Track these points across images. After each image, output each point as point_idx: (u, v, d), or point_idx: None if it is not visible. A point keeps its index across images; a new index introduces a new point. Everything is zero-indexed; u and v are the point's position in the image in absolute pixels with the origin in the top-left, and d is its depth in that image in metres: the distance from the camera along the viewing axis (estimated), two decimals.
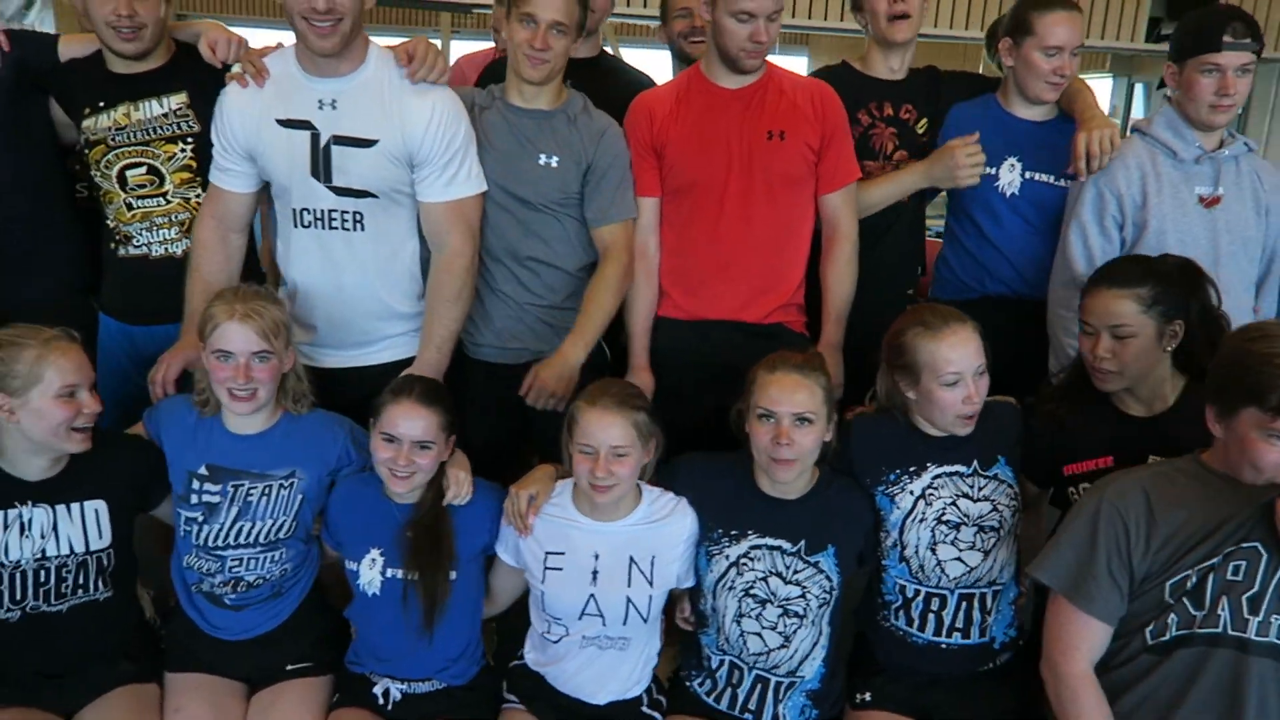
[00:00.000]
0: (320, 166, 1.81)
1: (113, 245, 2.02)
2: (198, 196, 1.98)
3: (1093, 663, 1.44)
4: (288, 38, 1.84)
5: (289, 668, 1.83)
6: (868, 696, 1.77)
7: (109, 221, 2.01)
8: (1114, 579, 1.40)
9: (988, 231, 2.14)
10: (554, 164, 1.90)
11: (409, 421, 1.67)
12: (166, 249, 2.00)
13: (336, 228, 1.85)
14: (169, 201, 1.97)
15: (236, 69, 1.86)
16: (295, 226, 1.86)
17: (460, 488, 1.75)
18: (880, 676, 1.77)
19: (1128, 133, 2.11)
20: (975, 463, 1.72)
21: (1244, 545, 1.35)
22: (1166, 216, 1.97)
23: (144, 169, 1.96)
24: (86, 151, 1.98)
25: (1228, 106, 1.93)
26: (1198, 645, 1.37)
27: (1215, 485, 1.41)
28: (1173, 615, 1.38)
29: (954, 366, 1.63)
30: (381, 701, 1.77)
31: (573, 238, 1.97)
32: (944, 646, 1.73)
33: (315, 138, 1.80)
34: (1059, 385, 1.81)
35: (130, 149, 1.95)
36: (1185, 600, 1.37)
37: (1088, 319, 1.68)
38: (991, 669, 1.76)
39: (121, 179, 1.97)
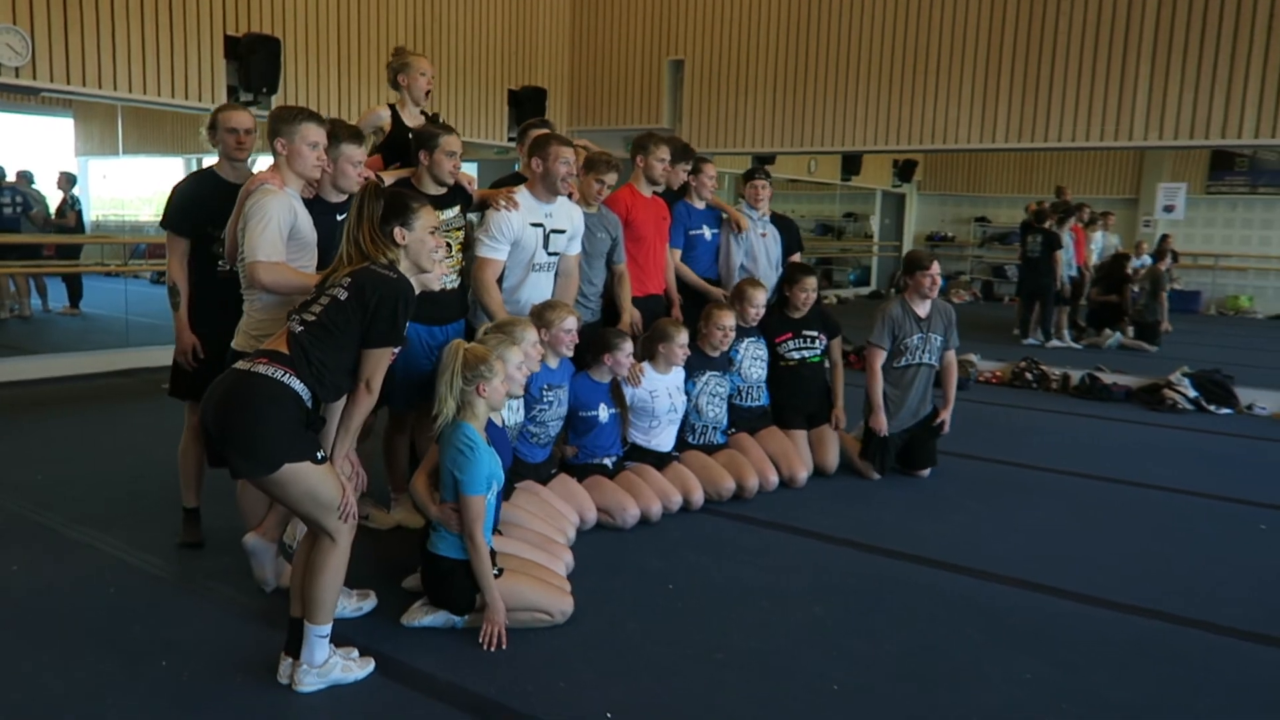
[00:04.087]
0: (546, 243, 4.18)
1: None
2: (460, 259, 4.08)
3: (882, 364, 4.95)
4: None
5: (553, 471, 4.23)
6: (733, 430, 4.96)
7: None
8: (892, 338, 4.91)
9: (698, 252, 5.40)
10: (602, 236, 4.56)
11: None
12: (450, 284, 4.02)
13: (545, 270, 4.23)
14: (453, 259, 4.02)
15: (503, 202, 4.05)
16: (533, 271, 4.16)
17: (637, 375, 4.40)
18: (734, 425, 4.98)
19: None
20: (763, 339, 5.06)
21: (917, 334, 4.95)
22: (755, 240, 5.48)
23: (445, 244, 3.98)
24: None
25: (765, 198, 5.52)
26: (908, 365, 4.98)
27: (910, 312, 4.97)
28: (903, 357, 4.94)
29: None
30: (609, 466, 4.34)
31: (602, 270, 4.62)
32: (755, 407, 5.05)
33: (544, 230, 4.17)
34: (766, 310, 5.17)
35: (440, 234, 3.95)
36: (905, 351, 4.94)
37: (801, 292, 5.09)
38: (761, 414, 5.11)
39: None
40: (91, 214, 11.00)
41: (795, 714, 2.72)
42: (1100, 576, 3.80)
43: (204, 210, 3.65)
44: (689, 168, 5.22)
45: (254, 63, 7.26)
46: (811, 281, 5.16)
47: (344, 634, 2.96)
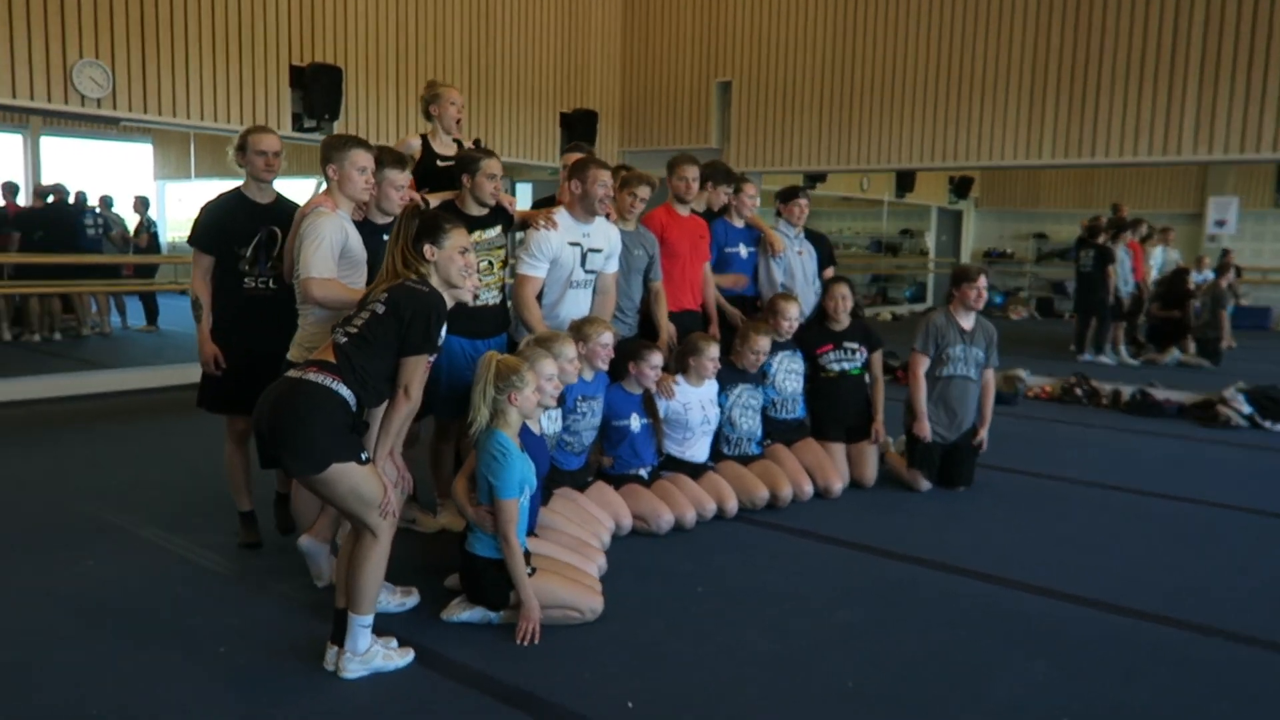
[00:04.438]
0: (584, 261, 4.39)
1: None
2: (503, 275, 4.30)
3: (924, 372, 5.09)
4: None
5: (589, 479, 4.41)
6: (769, 442, 5.10)
7: None
8: (935, 346, 5.04)
9: (733, 270, 5.55)
10: (639, 254, 4.75)
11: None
12: (492, 301, 4.25)
13: (583, 287, 4.43)
14: (495, 277, 4.25)
15: (542, 222, 4.28)
16: (570, 288, 4.37)
17: (669, 388, 4.58)
18: (769, 436, 5.12)
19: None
20: (799, 353, 5.20)
21: (959, 345, 5.08)
22: (793, 258, 5.64)
23: (487, 262, 4.21)
24: None
25: (802, 217, 5.68)
26: (951, 376, 5.12)
27: (954, 323, 5.10)
28: (945, 367, 5.07)
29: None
30: (645, 476, 4.51)
31: (639, 286, 4.81)
32: (791, 420, 5.19)
33: (581, 249, 4.38)
34: (807, 323, 5.34)
35: (483, 252, 4.17)
36: (947, 360, 5.08)
37: (832, 300, 5.22)
38: (797, 426, 5.24)
39: (477, 267, 4.19)
40: (168, 235, 11.59)
41: (806, 709, 2.85)
42: (1125, 585, 3.85)
43: (230, 229, 3.89)
44: (730, 189, 5.39)
45: (317, 91, 7.64)
46: (842, 289, 5.27)
47: (386, 627, 3.18)
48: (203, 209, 3.99)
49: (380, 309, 2.97)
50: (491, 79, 9.19)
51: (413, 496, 4.43)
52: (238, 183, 4.06)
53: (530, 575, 3.30)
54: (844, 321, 5.30)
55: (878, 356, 5.41)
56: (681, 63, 9.97)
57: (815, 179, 12.35)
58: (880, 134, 8.87)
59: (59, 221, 9.58)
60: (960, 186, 15.67)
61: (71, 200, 10.15)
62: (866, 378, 5.39)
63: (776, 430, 5.17)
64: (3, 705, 2.76)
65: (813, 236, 5.88)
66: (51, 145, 12.65)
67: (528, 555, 3.37)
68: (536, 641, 3.20)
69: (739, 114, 9.66)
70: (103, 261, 10.02)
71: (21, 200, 10.15)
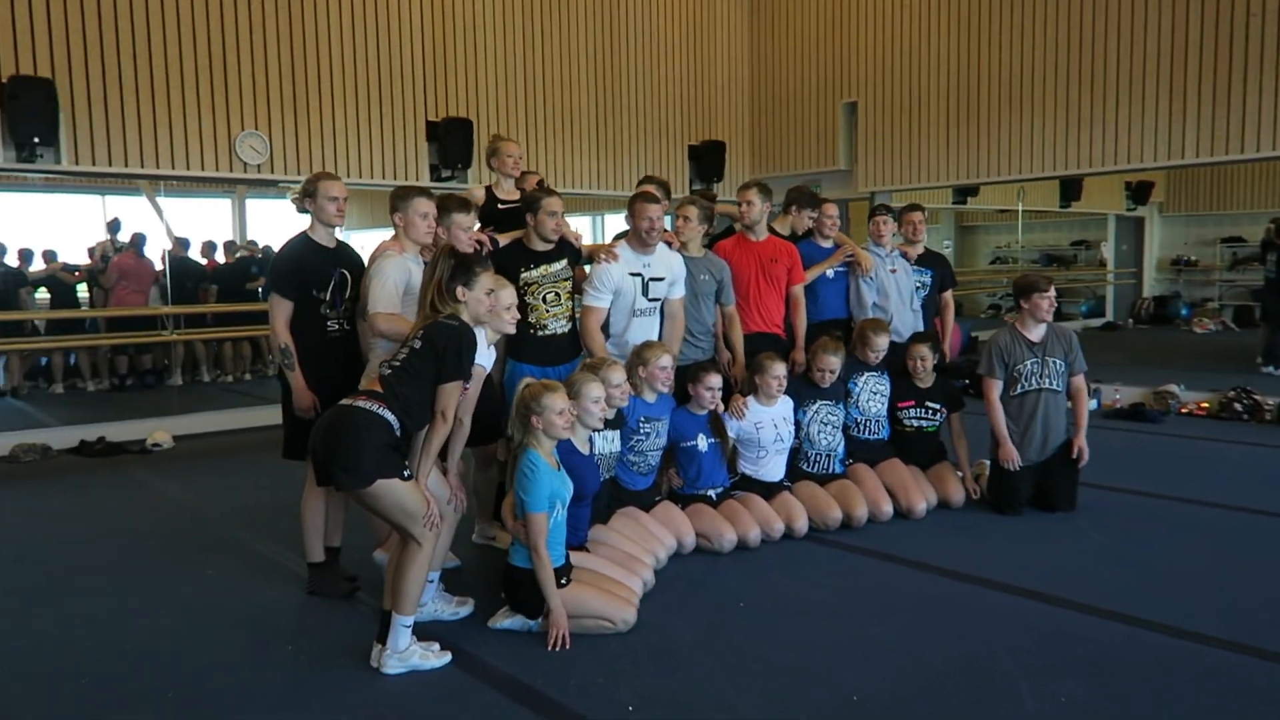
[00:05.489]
0: (645, 291, 4.62)
1: (533, 330, 4.46)
2: (572, 306, 4.58)
3: (998, 397, 5.00)
4: None
5: (655, 499, 4.60)
6: (850, 460, 5.13)
7: (532, 319, 4.45)
8: (1004, 366, 4.94)
9: (821, 293, 5.60)
10: (705, 279, 4.93)
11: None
12: (560, 330, 4.54)
13: (649, 315, 4.66)
14: (563, 307, 4.54)
15: (603, 256, 4.55)
16: (635, 316, 4.61)
17: (740, 409, 4.72)
18: (852, 455, 5.14)
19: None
20: (886, 374, 5.20)
21: (1030, 359, 4.98)
22: (885, 277, 5.62)
23: (554, 294, 4.51)
24: (526, 286, 4.43)
25: (888, 234, 5.67)
26: (1026, 392, 4.99)
27: (1020, 338, 5.00)
28: (1020, 384, 4.96)
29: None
30: (714, 496, 4.66)
31: (710, 309, 4.99)
32: (873, 439, 5.18)
33: (642, 279, 4.61)
34: (897, 374, 5.31)
35: (549, 284, 4.48)
36: (1020, 377, 4.96)
37: (915, 361, 5.16)
38: (882, 447, 5.23)
39: (544, 298, 4.49)
40: None
41: (801, 717, 2.92)
42: (1196, 610, 3.65)
43: (307, 273, 4.01)
44: (814, 213, 5.51)
45: (450, 143, 8.28)
46: (921, 350, 5.22)
47: (437, 632, 3.50)
48: (280, 255, 4.21)
49: (418, 344, 3.33)
50: (619, 118, 9.60)
51: (496, 514, 4.77)
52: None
53: (564, 586, 3.53)
54: (927, 381, 5.27)
55: (958, 417, 5.32)
56: (807, 86, 10.06)
57: (966, 193, 12.02)
58: (1010, 144, 8.62)
59: (243, 275, 10.73)
60: (1138, 191, 14.71)
61: (259, 253, 11.33)
62: (941, 433, 5.33)
63: (860, 450, 5.18)
64: (107, 688, 3.27)
65: (931, 257, 5.87)
66: (256, 207, 14.23)
67: (568, 568, 3.61)
68: (567, 647, 3.42)
69: (866, 134, 9.62)
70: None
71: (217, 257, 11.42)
